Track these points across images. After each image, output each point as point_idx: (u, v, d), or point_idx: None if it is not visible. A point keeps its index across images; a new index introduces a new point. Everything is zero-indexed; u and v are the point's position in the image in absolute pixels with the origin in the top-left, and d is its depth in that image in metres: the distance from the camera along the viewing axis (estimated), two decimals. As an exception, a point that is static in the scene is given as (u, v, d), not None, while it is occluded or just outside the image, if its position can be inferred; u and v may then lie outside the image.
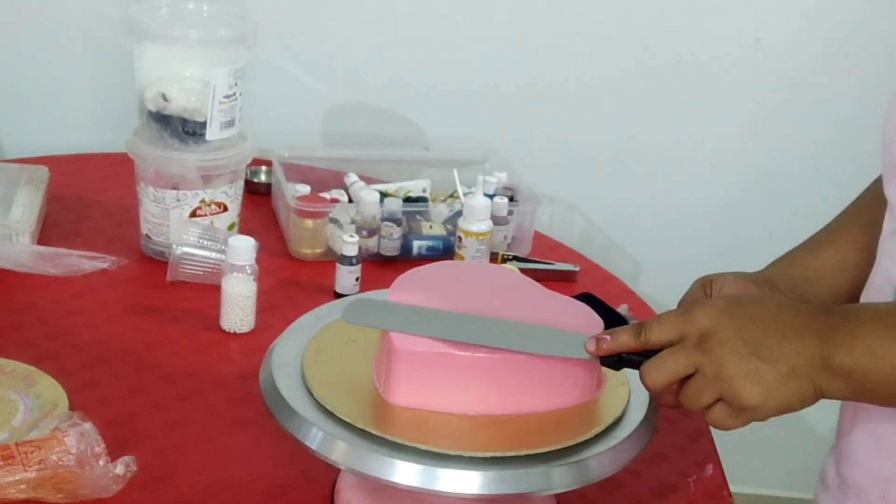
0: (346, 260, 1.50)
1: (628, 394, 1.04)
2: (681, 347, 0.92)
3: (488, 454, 0.95)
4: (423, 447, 0.94)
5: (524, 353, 0.98)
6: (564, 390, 1.01)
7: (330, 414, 0.98)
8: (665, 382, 0.92)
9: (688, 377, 0.92)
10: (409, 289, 1.05)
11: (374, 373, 1.03)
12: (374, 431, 0.96)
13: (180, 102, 1.49)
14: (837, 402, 1.08)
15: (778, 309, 0.93)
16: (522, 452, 0.95)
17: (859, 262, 1.11)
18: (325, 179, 1.80)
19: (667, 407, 1.02)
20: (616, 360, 0.97)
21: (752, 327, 0.90)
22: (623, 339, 0.95)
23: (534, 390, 1.00)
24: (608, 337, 0.97)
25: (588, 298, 1.36)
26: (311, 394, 1.00)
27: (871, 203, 1.14)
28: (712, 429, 1.30)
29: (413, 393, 0.99)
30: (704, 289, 1.10)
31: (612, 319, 1.31)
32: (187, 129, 1.50)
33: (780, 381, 0.89)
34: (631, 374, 1.01)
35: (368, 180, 1.79)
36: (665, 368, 0.92)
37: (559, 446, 0.96)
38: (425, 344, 0.98)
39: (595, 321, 1.04)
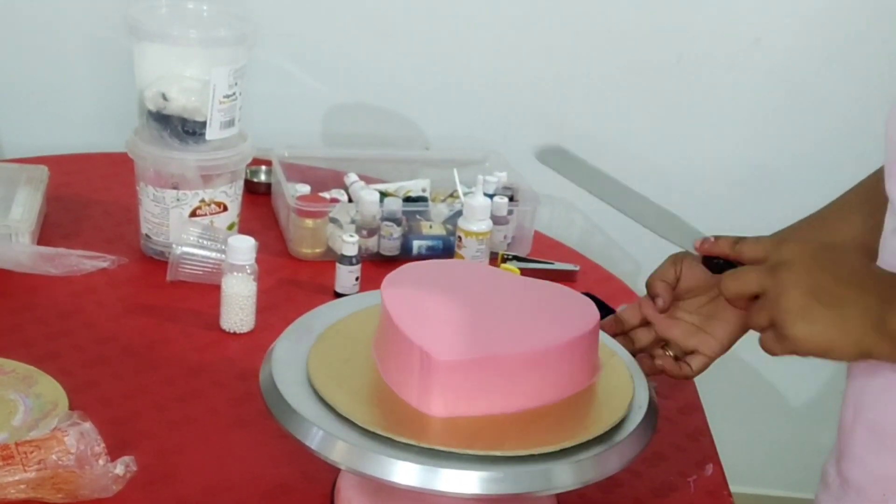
0: (346, 260, 1.50)
1: (632, 393, 1.04)
2: (759, 268, 0.97)
3: (490, 453, 0.95)
4: (426, 445, 0.94)
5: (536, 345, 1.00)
6: (569, 379, 1.02)
7: (330, 413, 0.98)
8: (736, 293, 0.98)
9: (757, 298, 0.97)
10: (404, 285, 1.05)
11: (385, 374, 1.03)
12: (378, 431, 0.96)
13: (180, 102, 1.49)
14: (838, 402, 1.08)
15: (856, 263, 0.96)
16: (524, 452, 0.95)
17: (874, 239, 1.11)
18: (325, 179, 1.80)
19: (632, 352, 1.11)
20: (718, 263, 1.08)
21: (824, 271, 0.94)
22: (722, 245, 1.06)
23: (540, 384, 1.00)
24: (712, 239, 1.07)
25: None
26: (316, 393, 1.01)
27: (879, 186, 1.13)
28: (711, 429, 1.31)
29: (448, 403, 0.98)
30: (675, 265, 1.17)
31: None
32: (187, 129, 1.50)
33: (827, 325, 0.92)
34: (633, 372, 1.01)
35: (368, 180, 1.79)
36: (740, 280, 0.98)
37: (563, 446, 0.96)
38: (459, 352, 0.98)
39: (587, 305, 1.07)
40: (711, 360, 1.17)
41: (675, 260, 1.17)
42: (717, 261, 1.08)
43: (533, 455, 0.95)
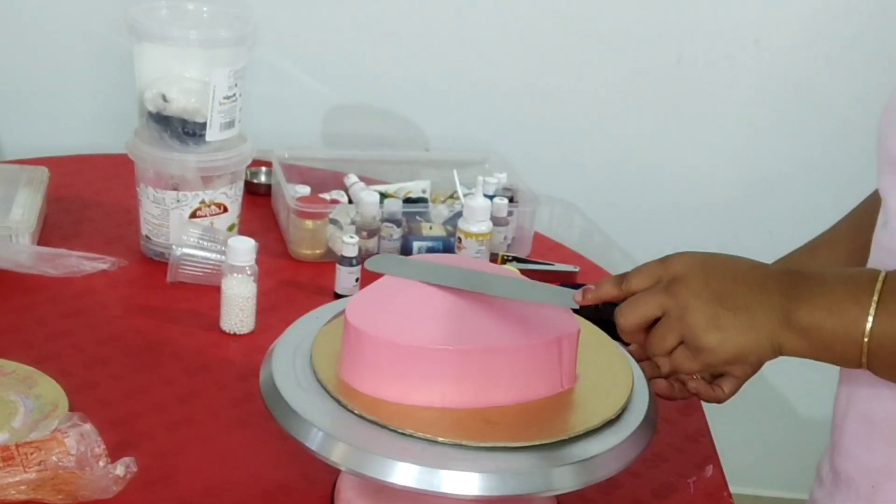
0: (346, 261, 1.50)
1: (630, 388, 1.04)
2: (652, 290, 0.96)
3: (490, 444, 0.95)
4: (434, 438, 0.94)
5: (505, 341, 1.00)
6: (538, 380, 1.02)
7: (330, 410, 0.98)
8: (636, 322, 0.96)
9: (657, 322, 0.95)
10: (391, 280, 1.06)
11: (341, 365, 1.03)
12: (370, 417, 0.96)
13: (180, 103, 1.49)
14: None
15: (749, 265, 0.96)
16: (530, 443, 0.95)
17: (856, 261, 1.12)
18: (325, 180, 1.80)
19: (638, 359, 1.06)
20: (593, 311, 1.01)
21: (721, 277, 0.94)
22: (607, 289, 1.00)
23: (507, 382, 1.00)
24: (593, 287, 1.00)
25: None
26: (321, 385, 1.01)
27: (868, 210, 1.15)
28: (711, 429, 1.31)
29: (381, 382, 0.99)
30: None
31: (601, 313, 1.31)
32: (187, 130, 1.50)
33: (739, 329, 0.92)
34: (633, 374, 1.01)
35: (368, 181, 1.79)
36: (636, 308, 0.96)
37: (562, 437, 0.96)
38: (401, 335, 0.98)
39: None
40: (742, 381, 1.14)
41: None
42: (593, 308, 1.02)
43: (534, 453, 0.95)
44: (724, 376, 1.13)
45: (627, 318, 0.96)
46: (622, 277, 0.99)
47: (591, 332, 1.12)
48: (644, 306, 0.95)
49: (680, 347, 0.95)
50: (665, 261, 0.97)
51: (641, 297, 0.96)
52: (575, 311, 1.02)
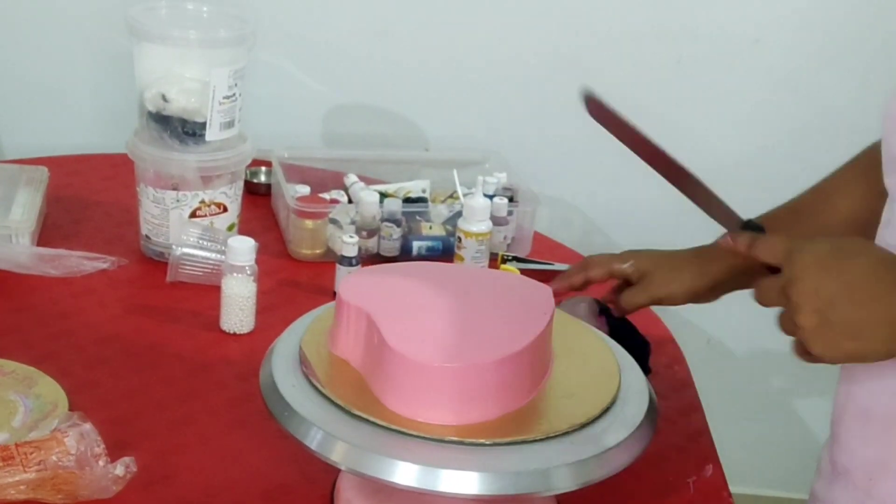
0: (346, 260, 1.49)
1: (616, 388, 1.04)
2: (774, 285, 0.96)
3: (488, 441, 0.95)
4: (434, 437, 0.94)
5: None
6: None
7: (330, 410, 0.98)
8: (766, 305, 0.98)
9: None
10: (359, 283, 1.06)
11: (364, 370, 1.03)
12: (368, 417, 0.96)
13: (180, 103, 1.49)
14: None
15: (869, 268, 0.93)
16: (527, 438, 0.96)
17: (875, 207, 1.10)
18: (324, 180, 1.80)
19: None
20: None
21: (832, 284, 0.92)
22: (742, 241, 1.04)
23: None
24: (729, 239, 1.07)
25: (595, 305, 1.36)
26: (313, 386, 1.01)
27: (873, 159, 1.12)
28: (711, 429, 1.31)
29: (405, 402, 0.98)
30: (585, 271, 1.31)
31: (617, 325, 1.32)
32: (187, 130, 1.50)
33: (844, 340, 0.92)
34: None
35: (368, 181, 1.80)
36: (764, 297, 0.97)
37: (559, 431, 0.97)
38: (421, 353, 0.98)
39: (542, 290, 1.09)
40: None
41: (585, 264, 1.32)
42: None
43: (533, 448, 0.95)
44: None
45: (759, 300, 0.98)
46: (754, 241, 1.02)
47: (564, 322, 1.13)
48: (768, 299, 0.97)
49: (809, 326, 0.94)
50: (791, 253, 0.95)
51: (767, 290, 0.97)
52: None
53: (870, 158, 1.17)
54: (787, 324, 0.95)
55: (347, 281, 1.07)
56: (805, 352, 0.95)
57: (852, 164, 1.21)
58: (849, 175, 1.20)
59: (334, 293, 1.50)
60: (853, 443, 1.05)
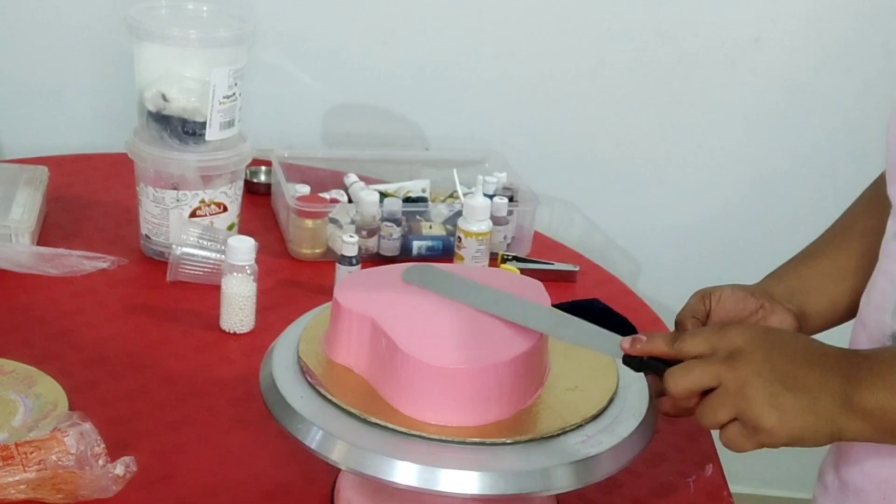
0: (346, 260, 1.49)
1: (614, 388, 1.04)
2: (710, 360, 0.92)
3: (490, 442, 0.95)
4: (434, 437, 0.94)
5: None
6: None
7: (330, 410, 0.98)
8: (688, 389, 0.93)
9: (709, 391, 0.92)
10: (355, 289, 1.05)
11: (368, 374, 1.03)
12: (369, 418, 0.96)
13: (180, 103, 1.49)
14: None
15: (808, 344, 0.93)
16: (526, 437, 0.95)
17: (856, 268, 1.12)
18: (324, 179, 1.80)
19: (666, 414, 1.02)
20: (639, 362, 0.98)
21: (781, 354, 0.91)
22: (658, 344, 0.96)
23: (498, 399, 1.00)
24: (644, 339, 0.97)
25: (595, 304, 1.36)
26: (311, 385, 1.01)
27: (865, 210, 1.14)
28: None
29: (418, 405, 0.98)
30: (703, 301, 1.11)
31: (617, 325, 1.32)
32: (187, 130, 1.50)
33: (798, 411, 0.89)
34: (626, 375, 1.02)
35: (368, 180, 1.80)
36: (691, 375, 0.92)
37: (555, 431, 0.97)
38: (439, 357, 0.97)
39: (535, 285, 1.08)
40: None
41: (703, 295, 1.11)
42: (638, 360, 0.98)
43: (533, 447, 0.95)
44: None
45: (679, 383, 0.93)
46: (675, 336, 0.96)
47: None
48: (700, 374, 0.92)
49: (734, 424, 0.91)
50: (723, 331, 0.93)
51: (697, 365, 0.92)
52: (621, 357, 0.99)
53: (855, 215, 1.16)
54: (724, 407, 0.90)
55: (343, 288, 1.06)
56: (744, 436, 0.91)
57: (839, 222, 1.19)
58: (835, 235, 1.17)
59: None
60: (865, 461, 1.03)
